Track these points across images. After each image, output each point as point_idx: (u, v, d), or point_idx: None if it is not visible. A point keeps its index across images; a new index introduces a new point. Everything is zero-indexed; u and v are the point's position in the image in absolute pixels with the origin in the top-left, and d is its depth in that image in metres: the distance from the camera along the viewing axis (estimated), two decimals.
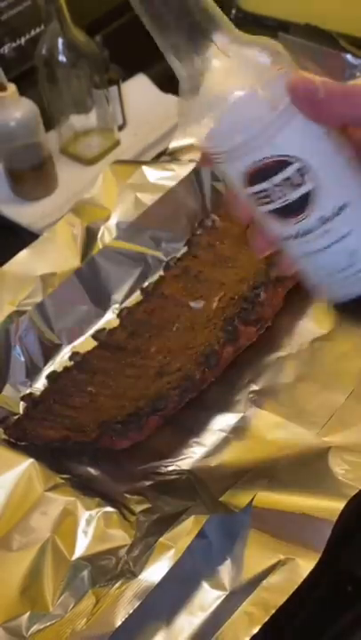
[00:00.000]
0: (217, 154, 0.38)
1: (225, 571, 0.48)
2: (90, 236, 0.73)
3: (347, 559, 0.52)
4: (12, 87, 0.78)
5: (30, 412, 0.62)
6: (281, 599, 0.45)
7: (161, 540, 0.48)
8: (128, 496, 0.56)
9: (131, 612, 0.45)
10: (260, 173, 0.37)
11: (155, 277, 0.71)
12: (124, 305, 0.71)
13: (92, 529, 0.52)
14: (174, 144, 0.82)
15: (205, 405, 0.62)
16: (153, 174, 0.77)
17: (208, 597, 0.48)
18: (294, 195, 0.37)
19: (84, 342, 0.69)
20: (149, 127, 0.91)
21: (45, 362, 0.68)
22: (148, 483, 0.57)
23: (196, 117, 0.38)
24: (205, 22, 0.37)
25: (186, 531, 0.48)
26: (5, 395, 0.64)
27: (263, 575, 0.47)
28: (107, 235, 0.73)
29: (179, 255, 0.72)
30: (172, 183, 0.75)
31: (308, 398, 0.60)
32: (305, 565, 0.46)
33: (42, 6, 0.77)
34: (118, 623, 0.45)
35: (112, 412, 0.59)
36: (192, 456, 0.59)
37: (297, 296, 0.67)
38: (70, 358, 0.66)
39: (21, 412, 0.63)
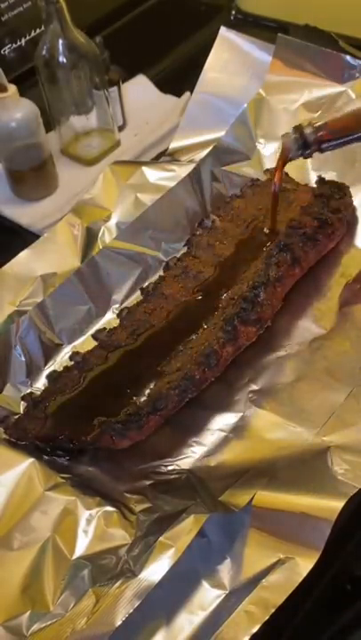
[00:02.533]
0: None
1: (225, 570, 0.49)
2: (90, 236, 0.73)
3: (346, 558, 0.52)
4: (12, 88, 0.78)
5: (31, 411, 0.62)
6: (281, 598, 0.46)
7: (161, 539, 0.48)
8: (128, 495, 0.56)
9: (131, 611, 0.45)
10: None
11: (155, 277, 0.72)
12: (124, 305, 0.71)
13: (92, 528, 0.53)
14: (174, 144, 0.83)
15: (205, 405, 0.62)
16: (153, 175, 0.77)
17: (208, 596, 0.48)
18: None
19: (84, 342, 0.69)
20: (149, 128, 0.91)
21: (46, 362, 0.68)
22: (148, 482, 0.57)
23: None
24: None
25: (186, 530, 0.48)
26: (6, 394, 0.65)
27: (263, 574, 0.47)
28: (107, 235, 0.73)
29: (179, 255, 0.73)
30: (171, 183, 0.75)
31: (308, 398, 0.60)
32: (304, 564, 0.46)
33: (42, 7, 0.77)
34: (118, 622, 0.45)
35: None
36: (192, 455, 0.59)
37: (297, 296, 0.68)
38: (70, 358, 0.66)
39: (22, 411, 0.63)
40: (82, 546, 0.52)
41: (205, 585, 0.48)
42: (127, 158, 0.86)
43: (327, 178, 0.74)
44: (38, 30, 0.95)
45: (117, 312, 0.70)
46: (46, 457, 0.59)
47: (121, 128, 0.91)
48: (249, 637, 0.45)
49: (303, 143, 0.65)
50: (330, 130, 0.64)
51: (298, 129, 0.65)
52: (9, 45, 0.94)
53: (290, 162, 0.68)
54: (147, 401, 0.59)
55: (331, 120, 0.64)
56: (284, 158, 0.68)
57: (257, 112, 0.81)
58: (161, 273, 0.72)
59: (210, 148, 0.79)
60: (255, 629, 0.45)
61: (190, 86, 0.86)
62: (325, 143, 0.65)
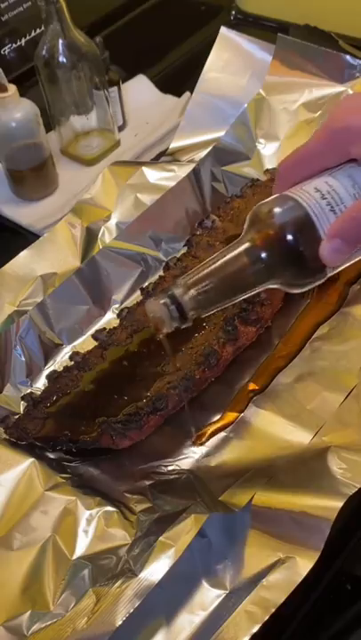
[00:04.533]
0: None
1: (225, 570, 0.49)
2: (90, 236, 0.73)
3: (346, 558, 0.52)
4: (12, 88, 0.78)
5: (31, 411, 0.62)
6: (281, 598, 0.46)
7: (161, 538, 0.48)
8: (128, 495, 0.56)
9: (131, 610, 0.45)
10: None
11: (155, 277, 0.72)
12: (124, 305, 0.71)
13: (92, 528, 0.53)
14: (174, 144, 0.83)
15: (205, 405, 0.62)
16: (153, 175, 0.77)
17: (208, 596, 0.48)
18: None
19: (84, 342, 0.69)
20: (149, 127, 0.91)
21: (46, 362, 0.68)
22: (148, 482, 0.57)
23: None
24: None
25: (186, 530, 0.48)
26: (6, 394, 0.65)
27: (263, 574, 0.47)
28: (107, 235, 0.73)
29: (179, 255, 0.73)
30: (171, 184, 0.75)
31: (308, 398, 0.60)
32: (304, 564, 0.46)
33: (42, 7, 0.77)
34: (119, 622, 0.45)
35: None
36: (192, 456, 0.59)
37: (297, 296, 0.68)
38: (70, 358, 0.66)
39: (22, 411, 0.63)
40: (82, 546, 0.52)
41: (206, 585, 0.48)
42: (127, 158, 0.86)
43: None
44: (38, 30, 0.95)
45: (117, 312, 0.70)
46: (49, 455, 0.60)
47: (121, 128, 0.91)
48: (249, 637, 0.45)
49: (177, 309, 0.45)
50: (205, 285, 0.44)
51: (166, 292, 0.45)
52: (9, 45, 0.94)
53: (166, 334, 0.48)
54: (147, 401, 0.59)
55: (203, 274, 0.45)
56: (160, 331, 0.48)
57: (257, 112, 0.81)
58: (161, 273, 0.72)
59: (210, 147, 0.79)
60: (255, 629, 0.45)
61: (190, 86, 0.86)
62: (204, 309, 0.45)
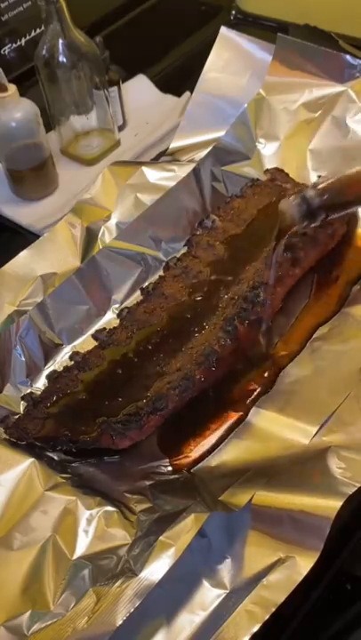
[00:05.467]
0: None
1: (225, 569, 0.49)
2: (90, 235, 0.73)
3: (346, 557, 0.52)
4: (12, 88, 0.78)
5: (31, 411, 0.62)
6: (281, 597, 0.46)
7: (161, 538, 0.48)
8: (128, 495, 0.56)
9: (132, 610, 0.45)
10: None
11: (155, 277, 0.72)
12: (124, 305, 0.71)
13: (92, 528, 0.53)
14: (174, 144, 0.83)
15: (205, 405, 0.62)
16: (153, 175, 0.77)
17: (208, 596, 0.48)
18: None
19: (84, 342, 0.69)
20: (149, 127, 0.91)
21: (46, 361, 0.68)
22: (148, 482, 0.57)
23: None
24: None
25: (186, 529, 0.48)
26: (6, 394, 0.65)
27: (263, 573, 0.47)
28: (107, 235, 0.73)
29: (179, 255, 0.73)
30: (171, 183, 0.75)
31: (308, 398, 0.60)
32: (304, 563, 0.47)
33: (42, 7, 0.77)
34: (119, 622, 0.45)
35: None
36: (192, 456, 0.59)
37: (297, 296, 0.68)
38: (70, 358, 0.66)
39: (22, 411, 0.63)
40: (82, 546, 0.52)
41: (206, 584, 0.48)
42: (127, 158, 0.86)
43: None
44: (38, 30, 0.95)
45: (117, 312, 0.70)
46: (49, 455, 0.59)
47: (121, 128, 0.91)
48: (250, 637, 0.45)
49: (307, 210, 0.54)
50: (336, 192, 0.54)
51: (299, 194, 0.55)
52: (9, 45, 0.94)
53: (291, 234, 0.57)
54: (147, 401, 0.59)
55: (335, 180, 0.54)
56: (286, 230, 0.56)
57: (257, 112, 0.81)
58: (161, 273, 0.72)
59: (210, 147, 0.79)
60: (256, 629, 0.45)
61: (190, 86, 0.87)
62: (332, 211, 0.55)
